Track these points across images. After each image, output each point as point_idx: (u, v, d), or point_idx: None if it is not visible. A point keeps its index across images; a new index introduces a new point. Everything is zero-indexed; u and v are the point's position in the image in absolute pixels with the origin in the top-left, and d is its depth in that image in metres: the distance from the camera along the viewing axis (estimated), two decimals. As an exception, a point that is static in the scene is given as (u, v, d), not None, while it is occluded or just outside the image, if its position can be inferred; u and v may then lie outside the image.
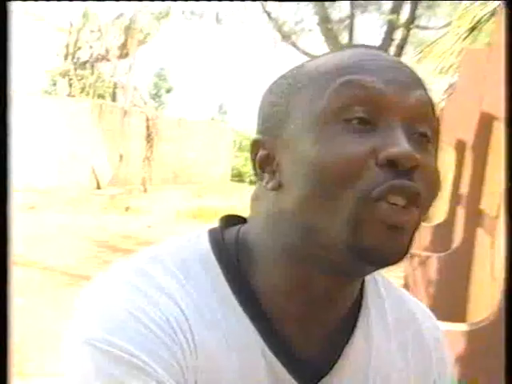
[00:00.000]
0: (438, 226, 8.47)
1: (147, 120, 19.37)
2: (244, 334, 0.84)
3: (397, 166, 0.76)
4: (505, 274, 0.52)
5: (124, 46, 21.41)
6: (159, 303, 0.80)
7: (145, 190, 18.30)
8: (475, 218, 6.67)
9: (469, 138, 6.81)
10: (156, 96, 32.94)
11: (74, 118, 17.19)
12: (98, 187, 17.50)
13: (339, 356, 0.87)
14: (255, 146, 0.87)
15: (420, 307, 1.01)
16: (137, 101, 21.25)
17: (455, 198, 8.21)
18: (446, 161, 9.41)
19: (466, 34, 7.20)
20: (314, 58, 0.91)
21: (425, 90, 0.83)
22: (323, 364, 0.87)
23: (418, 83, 0.83)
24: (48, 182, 15.99)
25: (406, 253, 0.79)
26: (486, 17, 6.41)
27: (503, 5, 0.69)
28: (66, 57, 21.12)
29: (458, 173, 8.06)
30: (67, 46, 21.00)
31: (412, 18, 10.91)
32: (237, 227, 0.91)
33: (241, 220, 0.93)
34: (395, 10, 10.89)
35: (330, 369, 0.87)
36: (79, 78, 20.87)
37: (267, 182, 0.85)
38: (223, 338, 0.82)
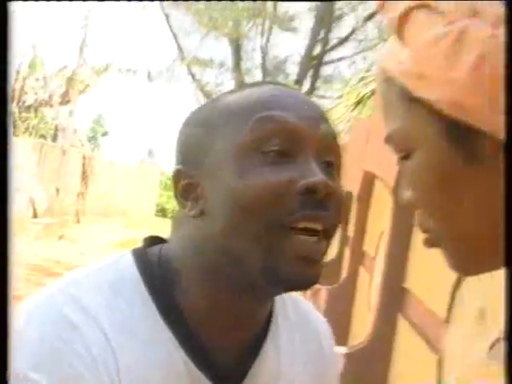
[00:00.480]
0: (329, 262, 8.56)
1: (83, 159, 19.02)
2: (167, 349, 0.78)
3: (315, 194, 0.74)
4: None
5: (66, 94, 21.06)
6: (83, 333, 0.73)
7: (78, 221, 17.89)
8: (358, 257, 6.78)
9: (355, 191, 6.95)
10: (93, 139, 32.37)
11: (18, 155, 16.74)
12: (35, 216, 17.02)
13: (252, 365, 0.85)
14: (177, 175, 0.80)
15: (322, 323, 0.99)
16: (75, 142, 20.88)
17: (344, 240, 8.31)
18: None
19: (353, 106, 7.43)
20: (230, 92, 0.85)
21: (329, 123, 0.82)
22: (240, 372, 0.83)
23: (323, 117, 0.82)
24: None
25: (318, 279, 0.77)
26: (368, 94, 6.65)
27: (503, 5, 0.70)
28: (11, 100, 20.65)
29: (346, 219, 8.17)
30: (13, 91, 20.53)
31: (312, 89, 11.24)
32: (159, 246, 0.86)
33: (163, 241, 0.88)
34: (299, 81, 11.20)
35: (245, 376, 0.84)
36: (23, 119, 20.39)
37: (190, 210, 0.80)
38: (147, 355, 0.77)
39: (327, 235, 0.78)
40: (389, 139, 0.67)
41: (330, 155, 0.80)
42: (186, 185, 0.80)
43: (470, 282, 2.28)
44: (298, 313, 0.94)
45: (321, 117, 0.82)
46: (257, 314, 0.84)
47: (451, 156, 0.60)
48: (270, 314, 0.88)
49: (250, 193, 0.73)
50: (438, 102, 0.59)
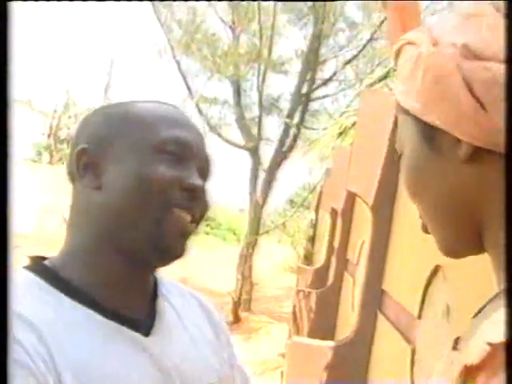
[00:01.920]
0: (318, 269, 8.53)
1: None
2: (84, 317, 0.80)
3: (193, 192, 0.84)
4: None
5: (93, 129, 21.23)
6: (21, 342, 0.71)
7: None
8: (343, 264, 6.77)
9: (339, 207, 6.96)
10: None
11: (53, 180, 16.81)
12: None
13: (155, 312, 0.88)
14: (82, 152, 0.86)
15: (194, 292, 1.03)
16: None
17: (330, 250, 8.29)
18: (324, 223, 9.58)
19: (336, 136, 7.46)
20: (137, 101, 0.90)
21: (206, 144, 0.91)
22: (149, 319, 0.87)
23: (204, 140, 0.91)
24: (30, 227, 15.48)
25: (186, 252, 0.86)
26: (349, 125, 6.68)
27: (503, 5, 0.69)
28: (49, 135, 20.88)
29: (332, 232, 8.17)
30: (50, 127, 20.79)
31: (302, 121, 11.25)
32: (50, 258, 0.87)
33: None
34: (290, 115, 11.22)
35: (154, 320, 0.87)
36: (58, 150, 20.53)
37: (90, 182, 0.84)
38: (70, 330, 0.77)
39: (194, 222, 0.86)
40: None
41: (206, 169, 0.90)
42: (87, 162, 0.85)
43: (438, 283, 2.29)
44: (175, 287, 0.99)
45: (203, 139, 0.91)
46: (147, 280, 0.89)
47: (422, 151, 0.65)
48: (156, 288, 0.93)
49: (148, 179, 0.81)
50: (413, 109, 0.65)
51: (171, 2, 12.06)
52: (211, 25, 12.97)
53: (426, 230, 0.71)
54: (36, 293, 0.79)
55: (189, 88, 12.78)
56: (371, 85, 7.07)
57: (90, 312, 0.81)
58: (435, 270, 2.32)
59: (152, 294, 0.91)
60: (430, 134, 0.64)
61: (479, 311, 0.70)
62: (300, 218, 15.01)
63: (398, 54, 0.69)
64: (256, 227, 12.22)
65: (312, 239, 13.15)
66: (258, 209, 12.03)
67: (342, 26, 11.96)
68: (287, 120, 11.06)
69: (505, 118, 0.58)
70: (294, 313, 7.12)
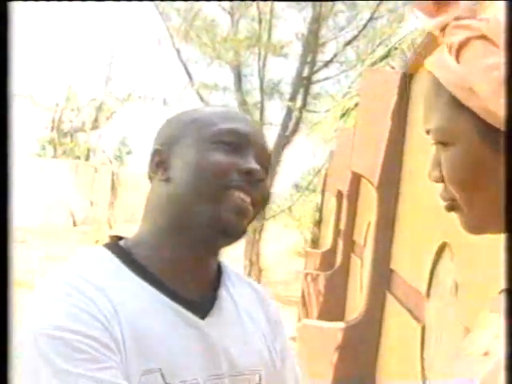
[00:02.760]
0: (325, 252, 8.56)
1: (112, 175, 19.04)
2: (146, 294, 0.87)
3: (250, 175, 0.89)
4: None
5: (96, 120, 21.16)
6: (96, 303, 0.81)
7: (110, 227, 17.89)
8: (350, 246, 6.79)
9: (344, 189, 6.95)
10: (119, 157, 32.40)
11: (57, 174, 16.83)
12: (74, 225, 17.06)
13: (215, 299, 0.93)
14: (154, 152, 0.95)
15: (255, 283, 1.08)
16: (105, 161, 20.93)
17: (336, 232, 8.31)
18: (330, 206, 9.58)
19: (339, 118, 7.41)
20: (200, 108, 1.01)
21: (265, 139, 0.97)
22: (207, 304, 0.92)
23: (262, 134, 0.98)
24: (36, 221, 15.53)
25: (245, 231, 0.91)
26: (352, 106, 6.63)
27: (504, 5, 0.68)
28: (52, 129, 20.85)
29: (338, 214, 8.18)
30: (53, 121, 20.73)
31: (304, 104, 11.19)
32: (126, 238, 0.95)
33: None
34: (292, 98, 11.17)
35: (213, 305, 0.92)
36: (61, 144, 20.53)
37: (160, 176, 0.92)
38: (134, 301, 0.85)
39: (253, 205, 0.90)
40: (431, 131, 0.72)
41: (263, 158, 0.94)
42: (159, 160, 0.94)
43: (445, 260, 2.29)
44: (237, 277, 1.03)
45: (261, 132, 0.97)
46: (209, 263, 0.94)
47: (486, 152, 0.66)
48: (220, 269, 0.99)
49: (206, 166, 0.88)
50: (480, 111, 0.65)
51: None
52: (210, 11, 12.89)
53: (452, 209, 0.73)
54: (110, 268, 0.88)
55: (189, 75, 12.73)
56: (372, 64, 7.01)
57: (154, 291, 0.88)
58: (442, 248, 2.31)
59: (215, 282, 0.97)
60: (493, 135, 0.65)
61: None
62: (306, 202, 15.00)
63: (464, 44, 0.66)
64: (262, 212, 12.23)
65: (318, 222, 13.14)
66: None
67: (341, 6, 11.85)
68: (289, 104, 10.99)
69: (505, 118, 0.61)
70: (303, 296, 7.15)
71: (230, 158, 0.89)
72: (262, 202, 0.92)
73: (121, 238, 0.96)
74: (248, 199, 0.89)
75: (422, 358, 2.45)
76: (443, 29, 0.69)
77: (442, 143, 0.70)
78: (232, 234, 0.90)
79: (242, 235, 0.90)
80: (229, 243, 0.92)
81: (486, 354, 0.64)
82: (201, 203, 0.87)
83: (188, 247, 0.90)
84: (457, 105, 0.67)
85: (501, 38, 0.64)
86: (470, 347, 0.70)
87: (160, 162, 0.94)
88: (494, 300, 0.73)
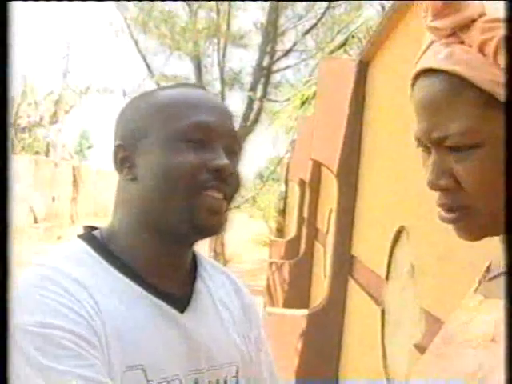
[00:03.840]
0: (289, 240, 8.60)
1: (73, 170, 18.75)
2: (131, 292, 0.86)
3: (220, 172, 0.86)
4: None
5: (54, 115, 20.76)
6: (78, 298, 0.81)
7: (72, 223, 17.66)
8: (313, 234, 6.83)
9: (306, 178, 6.99)
10: (80, 152, 31.92)
11: (16, 170, 16.48)
12: (35, 222, 16.74)
13: (192, 292, 0.93)
14: (118, 148, 0.91)
15: (231, 273, 1.08)
16: (65, 155, 20.56)
17: (300, 221, 8.35)
18: (294, 195, 9.63)
19: (299, 106, 7.44)
20: (163, 88, 0.97)
21: (233, 121, 0.93)
22: (186, 298, 0.92)
23: (230, 117, 0.93)
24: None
25: (222, 227, 0.89)
26: (312, 95, 6.67)
27: (504, 5, 0.65)
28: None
29: (301, 202, 8.22)
30: (9, 115, 20.28)
31: (264, 94, 11.22)
32: (101, 228, 0.94)
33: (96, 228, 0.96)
34: (252, 88, 11.18)
35: (190, 299, 0.92)
36: (19, 139, 20.06)
37: (126, 175, 0.90)
38: (115, 296, 0.84)
39: (227, 199, 0.89)
40: (450, 137, 0.65)
41: (234, 146, 0.92)
42: (123, 156, 0.90)
43: (402, 244, 2.33)
44: (213, 268, 1.03)
45: (228, 116, 0.92)
46: (185, 257, 0.93)
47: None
48: (195, 262, 0.98)
49: (175, 168, 0.85)
50: None
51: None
52: (167, 2, 12.75)
53: (453, 222, 0.68)
54: (89, 262, 0.87)
55: (148, 67, 12.60)
56: (331, 53, 7.05)
57: (133, 285, 0.87)
58: (399, 232, 2.35)
59: (192, 274, 0.96)
60: None
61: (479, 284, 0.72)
62: (270, 192, 15.07)
63: (498, 44, 0.63)
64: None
65: (283, 212, 13.22)
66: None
67: (299, -5, 11.88)
68: (250, 94, 11.01)
69: (505, 118, 0.59)
70: (269, 285, 7.18)
71: (198, 157, 0.86)
72: (235, 192, 0.91)
73: (93, 229, 0.94)
74: (221, 196, 0.87)
75: (383, 343, 2.49)
76: (466, 27, 0.64)
77: (460, 148, 0.65)
78: (208, 233, 0.89)
79: (220, 230, 0.89)
80: (204, 238, 0.92)
81: (493, 339, 0.62)
82: (172, 206, 0.86)
83: (162, 243, 0.89)
84: (488, 103, 0.63)
85: None
86: (463, 335, 0.68)
87: (124, 159, 0.90)
88: (486, 285, 0.72)
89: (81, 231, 0.94)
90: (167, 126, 0.88)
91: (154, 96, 0.93)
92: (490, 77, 0.63)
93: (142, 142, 0.89)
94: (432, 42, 0.68)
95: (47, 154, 20.66)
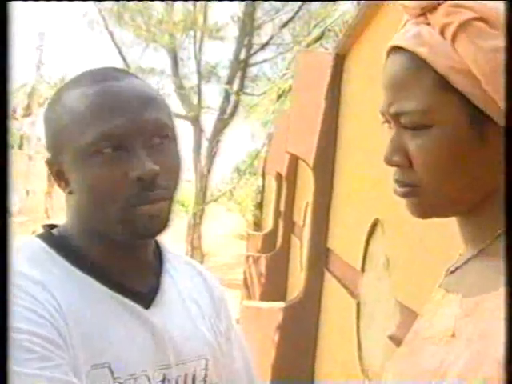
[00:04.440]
0: (266, 234, 8.61)
1: (48, 163, 18.56)
2: (90, 288, 0.85)
3: (143, 181, 0.81)
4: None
5: (28, 107, 20.47)
6: (39, 300, 0.79)
7: (48, 217, 17.45)
8: (290, 227, 6.85)
9: (283, 171, 7.00)
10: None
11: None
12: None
13: (158, 287, 0.91)
14: (49, 163, 0.89)
15: (198, 264, 1.07)
16: (39, 149, 20.29)
17: (277, 214, 8.36)
18: (271, 189, 9.64)
19: (275, 100, 7.44)
20: (72, 87, 0.87)
21: (156, 107, 0.85)
22: (151, 293, 0.90)
23: (150, 105, 0.84)
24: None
25: (166, 227, 0.86)
26: (288, 88, 6.67)
27: (504, 5, 0.65)
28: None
29: (278, 196, 8.23)
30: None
31: (241, 87, 11.19)
32: (58, 227, 0.93)
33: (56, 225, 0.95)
34: (229, 82, 11.14)
35: (156, 294, 0.90)
36: (-8, 132, 19.79)
37: (64, 188, 0.89)
38: (78, 296, 0.83)
39: (165, 197, 0.85)
40: (404, 114, 0.67)
41: (160, 133, 0.84)
42: (57, 171, 0.88)
43: (377, 236, 2.34)
44: (179, 260, 1.01)
45: (146, 106, 0.84)
46: (140, 254, 0.91)
47: (469, 136, 0.65)
48: (161, 258, 0.96)
49: (98, 183, 0.82)
50: (475, 96, 0.63)
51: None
52: (143, -7, 12.60)
53: (408, 196, 0.70)
54: (47, 261, 0.85)
55: (124, 59, 12.46)
56: (308, 46, 7.05)
57: (95, 282, 0.85)
58: (374, 224, 2.36)
59: (157, 267, 0.95)
60: (480, 121, 0.64)
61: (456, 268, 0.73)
62: (247, 185, 15.06)
63: (464, 24, 0.64)
64: (203, 197, 12.17)
65: (260, 205, 13.23)
66: (203, 178, 11.95)
67: (275, -12, 11.85)
68: (227, 87, 10.96)
69: (505, 118, 0.60)
70: (245, 278, 7.19)
71: (117, 169, 0.81)
72: (174, 186, 0.87)
73: (54, 226, 0.93)
74: (155, 205, 0.83)
75: (358, 335, 2.51)
76: (433, 9, 0.66)
77: (414, 127, 0.67)
78: (149, 237, 0.88)
79: (162, 231, 0.87)
80: (150, 238, 0.90)
81: (453, 335, 0.63)
82: (107, 218, 0.84)
83: (112, 245, 0.88)
84: (444, 87, 0.65)
85: (500, 21, 0.62)
86: (429, 331, 0.68)
87: (59, 173, 0.88)
88: (447, 279, 0.73)
89: (41, 230, 0.93)
90: (79, 140, 0.82)
91: (68, 98, 0.86)
92: (448, 62, 0.64)
93: (64, 157, 0.86)
94: (407, 21, 0.70)
95: (21, 147, 20.38)
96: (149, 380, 0.85)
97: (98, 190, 0.83)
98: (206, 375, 0.93)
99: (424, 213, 0.70)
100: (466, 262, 0.70)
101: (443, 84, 0.64)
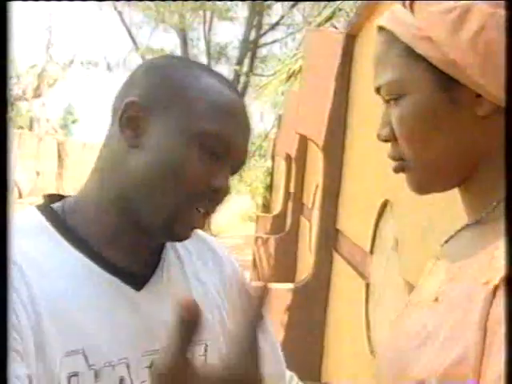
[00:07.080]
0: (276, 216, 8.62)
1: (58, 144, 18.57)
2: (78, 264, 0.79)
3: (217, 194, 0.81)
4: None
5: (37, 88, 20.47)
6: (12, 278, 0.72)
7: (58, 198, 17.55)
8: (299, 209, 6.85)
9: (293, 152, 6.98)
10: (64, 126, 31.58)
11: None
12: (20, 197, 16.62)
13: (156, 267, 0.87)
14: (130, 105, 0.80)
15: (212, 239, 1.02)
16: (49, 130, 20.34)
17: (286, 196, 8.37)
18: (280, 171, 9.62)
19: (285, 80, 7.39)
20: (200, 70, 0.84)
21: (250, 136, 0.86)
22: (148, 273, 0.85)
23: (249, 132, 0.86)
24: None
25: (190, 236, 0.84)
26: (298, 68, 6.62)
27: (504, 5, 0.65)
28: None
29: (288, 177, 8.22)
30: (-9, 89, 19.95)
31: (251, 68, 11.12)
32: (65, 198, 0.87)
33: (63, 197, 0.89)
34: (239, 63, 11.08)
35: (153, 274, 0.86)
36: (2, 113, 19.84)
37: (128, 137, 0.80)
38: (61, 275, 0.77)
39: (209, 215, 0.85)
40: (382, 87, 0.70)
41: (241, 165, 0.87)
42: (132, 116, 0.80)
43: (387, 217, 2.33)
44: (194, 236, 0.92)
45: (248, 132, 0.86)
46: (149, 244, 0.86)
47: (439, 101, 0.66)
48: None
49: (182, 170, 0.78)
50: (437, 60, 0.65)
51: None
52: (152, -28, 12.50)
53: (402, 170, 0.71)
54: (37, 235, 0.80)
55: (133, 39, 12.41)
56: (318, 26, 6.98)
57: (86, 260, 0.80)
58: (384, 205, 2.35)
59: (160, 246, 0.89)
60: (448, 85, 0.65)
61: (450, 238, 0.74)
62: (256, 167, 15.04)
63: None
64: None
65: (269, 187, 13.22)
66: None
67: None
68: (236, 68, 10.90)
69: (505, 118, 0.61)
70: (254, 260, 7.22)
71: (206, 171, 0.80)
72: (218, 208, 0.86)
73: (58, 197, 0.87)
74: (203, 219, 0.83)
75: (367, 316, 2.51)
76: None
77: (393, 99, 0.69)
78: (175, 241, 0.86)
79: (185, 240, 0.85)
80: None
81: (436, 299, 0.64)
82: (161, 202, 0.79)
83: (130, 229, 0.82)
84: (411, 55, 0.67)
85: None
86: (418, 297, 0.70)
87: (133, 119, 0.80)
88: (441, 248, 0.75)
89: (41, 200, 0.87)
90: (191, 120, 0.79)
91: (205, 80, 0.83)
92: (411, 31, 0.67)
93: (159, 116, 0.80)
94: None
95: (31, 128, 20.43)
96: (128, 367, 0.80)
97: (178, 174, 0.78)
98: (205, 361, 0.87)
99: (419, 187, 0.71)
100: (459, 231, 0.72)
101: (410, 52, 0.67)
